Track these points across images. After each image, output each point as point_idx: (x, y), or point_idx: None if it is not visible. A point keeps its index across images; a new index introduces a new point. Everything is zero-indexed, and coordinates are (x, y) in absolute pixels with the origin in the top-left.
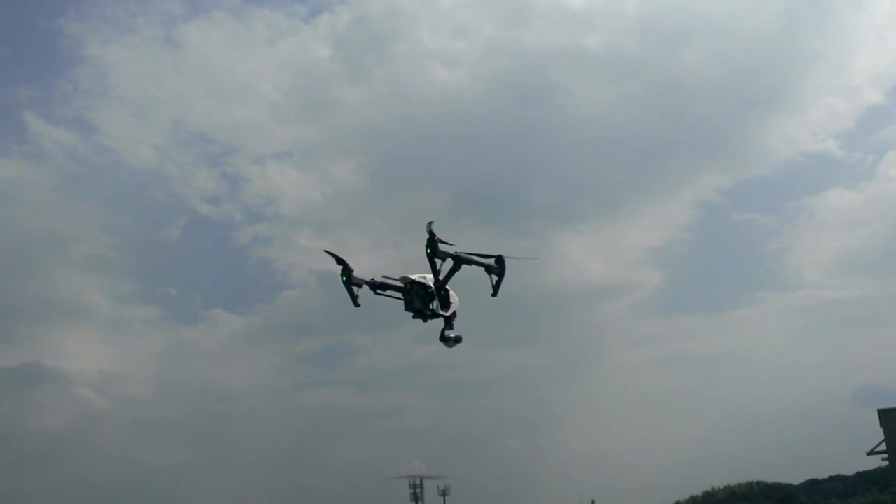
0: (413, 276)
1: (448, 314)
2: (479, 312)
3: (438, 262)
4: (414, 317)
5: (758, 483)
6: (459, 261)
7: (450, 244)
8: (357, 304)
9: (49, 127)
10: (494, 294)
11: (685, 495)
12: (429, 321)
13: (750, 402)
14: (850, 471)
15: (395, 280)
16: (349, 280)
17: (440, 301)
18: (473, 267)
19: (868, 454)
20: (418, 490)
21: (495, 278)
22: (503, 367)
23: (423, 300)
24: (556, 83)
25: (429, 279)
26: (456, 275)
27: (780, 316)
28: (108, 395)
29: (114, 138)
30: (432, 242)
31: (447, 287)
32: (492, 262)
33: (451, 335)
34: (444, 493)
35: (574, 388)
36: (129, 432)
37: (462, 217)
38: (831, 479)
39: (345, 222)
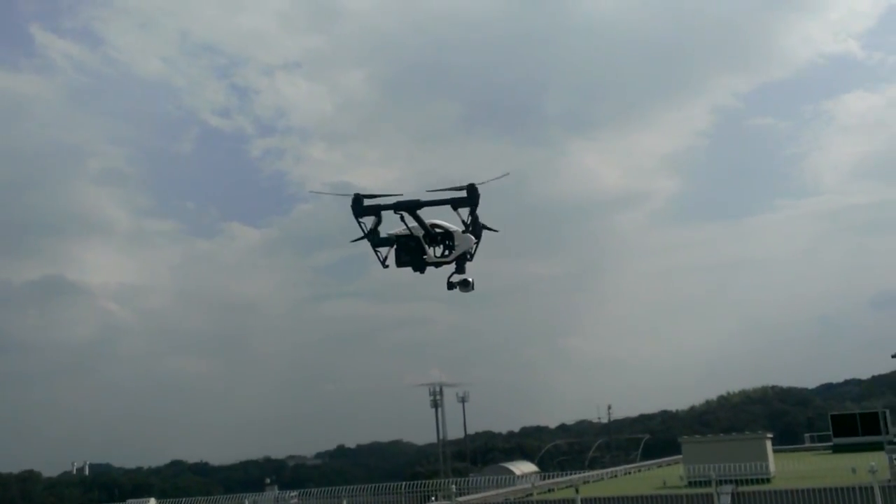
0: (397, 231)
1: (451, 259)
2: (495, 223)
3: (369, 219)
4: (413, 270)
5: (773, 387)
6: (401, 207)
7: (386, 195)
8: (385, 266)
9: (56, 39)
10: (466, 230)
11: (700, 399)
12: (432, 270)
13: (765, 309)
14: (865, 374)
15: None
16: (376, 243)
17: (445, 247)
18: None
19: (894, 357)
20: (438, 397)
21: (466, 212)
22: (520, 277)
23: (410, 252)
24: None
25: (414, 229)
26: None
27: (797, 222)
28: (130, 306)
29: (121, 50)
30: (355, 202)
31: (446, 228)
32: (462, 193)
33: (456, 280)
34: (463, 400)
35: (591, 296)
36: (152, 342)
37: (476, 127)
38: (846, 382)
39: (357, 134)
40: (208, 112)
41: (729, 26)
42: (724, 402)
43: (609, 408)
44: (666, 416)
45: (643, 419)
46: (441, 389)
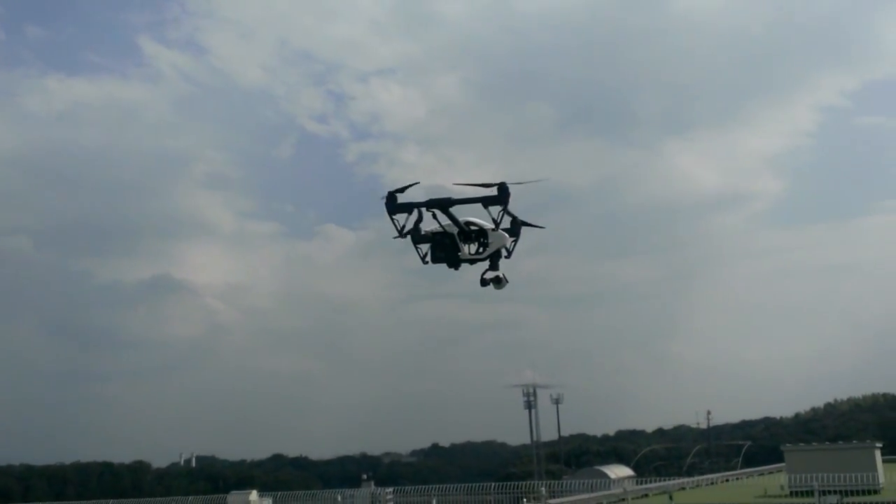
0: (432, 228)
1: (485, 256)
2: (590, 226)
3: (402, 216)
4: (448, 266)
5: (884, 395)
6: (433, 205)
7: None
8: (425, 262)
9: (163, 49)
10: (497, 228)
11: (806, 407)
12: (471, 265)
13: (875, 313)
14: None
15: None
16: (416, 240)
17: (479, 244)
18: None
19: None
20: (532, 398)
21: (498, 209)
22: (615, 281)
23: (445, 249)
24: None
25: (447, 225)
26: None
27: None
28: (234, 305)
29: (223, 59)
30: (389, 199)
31: (481, 226)
32: (493, 192)
33: (489, 277)
34: (557, 402)
35: (688, 300)
36: (255, 340)
37: (570, 130)
38: None
39: (449, 137)
40: (306, 118)
41: (834, 22)
42: (832, 410)
43: (709, 413)
44: (769, 423)
45: (745, 426)
46: (535, 391)
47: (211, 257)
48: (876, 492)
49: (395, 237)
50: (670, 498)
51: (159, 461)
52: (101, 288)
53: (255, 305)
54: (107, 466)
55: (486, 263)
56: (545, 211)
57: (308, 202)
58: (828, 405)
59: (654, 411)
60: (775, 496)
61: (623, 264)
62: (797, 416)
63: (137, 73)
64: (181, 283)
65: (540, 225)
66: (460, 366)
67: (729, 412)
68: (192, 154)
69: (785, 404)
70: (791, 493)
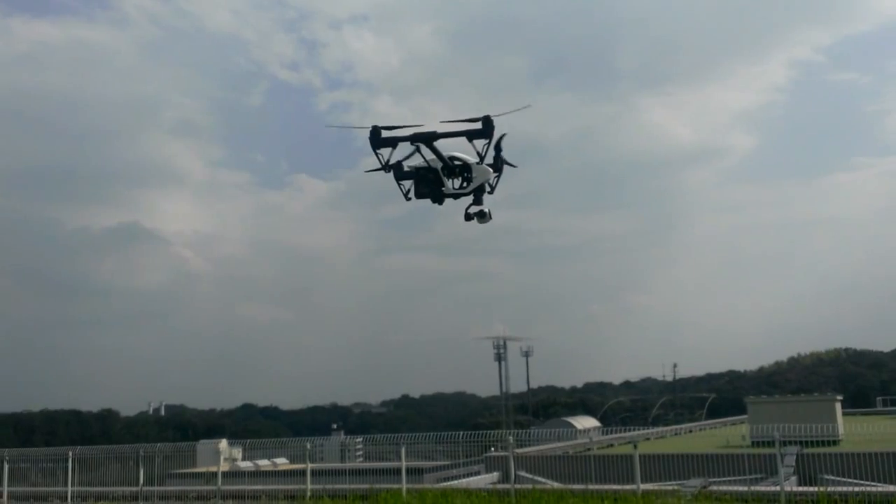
0: (416, 163)
1: (469, 191)
2: (562, 179)
3: (386, 150)
4: (433, 201)
5: (846, 349)
6: (418, 139)
7: (402, 126)
8: (408, 198)
9: None
10: (481, 161)
11: (770, 360)
12: (454, 201)
13: (840, 269)
14: None
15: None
16: (399, 176)
17: (463, 179)
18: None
19: None
20: (502, 351)
21: (482, 143)
22: (586, 234)
23: (429, 184)
24: None
25: (431, 160)
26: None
27: (877, 181)
28: (204, 254)
29: (192, 2)
30: (373, 134)
31: (465, 161)
32: (478, 125)
33: (473, 211)
34: (526, 354)
35: (658, 254)
36: (225, 289)
37: (545, 82)
38: None
39: (423, 88)
40: (277, 65)
41: None
42: (795, 364)
43: (675, 366)
44: (733, 377)
45: (709, 378)
46: (505, 343)
47: (181, 206)
48: (835, 443)
49: (368, 171)
50: (635, 447)
51: (128, 410)
52: (68, 234)
53: (226, 255)
54: (75, 414)
55: (470, 199)
56: (517, 163)
57: (279, 152)
58: (791, 359)
59: (621, 364)
60: (737, 446)
61: (594, 217)
62: (761, 369)
63: (104, 16)
64: (150, 231)
65: (513, 164)
66: (431, 318)
67: (694, 365)
68: (160, 100)
69: (749, 358)
70: (752, 443)
